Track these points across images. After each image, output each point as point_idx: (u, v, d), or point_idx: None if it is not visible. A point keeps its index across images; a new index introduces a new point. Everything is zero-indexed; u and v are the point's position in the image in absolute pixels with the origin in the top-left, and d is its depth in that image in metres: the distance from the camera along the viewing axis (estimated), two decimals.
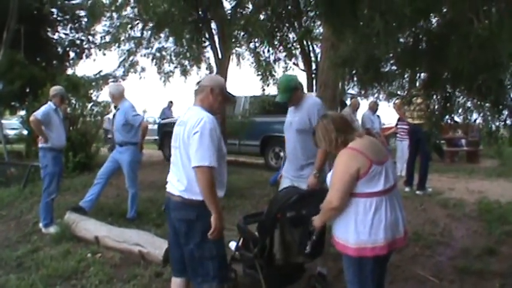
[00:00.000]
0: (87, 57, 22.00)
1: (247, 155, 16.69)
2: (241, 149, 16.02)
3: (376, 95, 5.85)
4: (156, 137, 18.46)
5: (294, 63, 22.66)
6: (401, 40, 4.82)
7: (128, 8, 17.22)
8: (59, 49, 21.91)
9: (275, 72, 18.04)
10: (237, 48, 18.90)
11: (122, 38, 18.73)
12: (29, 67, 17.24)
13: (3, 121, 18.45)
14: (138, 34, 18.40)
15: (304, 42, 21.06)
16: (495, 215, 8.26)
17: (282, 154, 13.52)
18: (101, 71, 20.61)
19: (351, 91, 13.40)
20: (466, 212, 8.54)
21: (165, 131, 17.07)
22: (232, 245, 5.51)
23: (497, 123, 4.81)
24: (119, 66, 20.55)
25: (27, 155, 15.01)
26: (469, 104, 4.99)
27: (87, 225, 7.36)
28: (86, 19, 20.98)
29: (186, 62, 20.70)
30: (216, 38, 15.85)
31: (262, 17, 13.66)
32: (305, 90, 20.86)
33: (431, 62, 4.75)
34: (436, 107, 5.49)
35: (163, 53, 20.47)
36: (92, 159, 13.74)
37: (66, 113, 9.23)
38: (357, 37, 4.84)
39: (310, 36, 18.57)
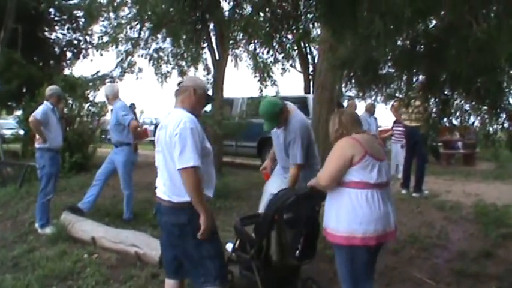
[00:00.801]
0: (84, 57, 22.00)
1: (244, 156, 16.70)
2: (238, 151, 16.02)
3: (373, 97, 5.86)
4: (153, 138, 18.46)
5: (291, 65, 22.71)
6: (400, 42, 4.83)
7: (126, 8, 17.22)
8: (56, 49, 21.90)
9: (272, 73, 18.11)
10: (234, 50, 18.93)
11: (120, 38, 18.72)
12: (26, 67, 17.21)
13: None
14: (136, 35, 18.39)
15: (302, 44, 21.11)
16: (491, 217, 8.26)
17: None
18: (98, 72, 20.58)
19: (348, 93, 13.43)
20: (463, 214, 8.54)
21: None
22: (229, 246, 5.51)
23: (494, 126, 4.82)
24: (116, 67, 20.55)
25: (23, 155, 14.97)
26: (466, 106, 5.00)
27: (83, 225, 7.35)
28: (83, 19, 20.97)
29: (184, 63, 20.72)
30: (213, 39, 15.85)
31: (260, 18, 13.68)
32: (302, 92, 20.89)
33: (429, 65, 4.77)
34: (434, 109, 5.50)
35: (161, 53, 20.50)
36: (89, 160, 13.72)
37: (62, 113, 9.22)
38: (356, 39, 4.85)
39: (308, 38, 18.61)
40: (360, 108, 13.44)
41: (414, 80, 5.57)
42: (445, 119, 5.39)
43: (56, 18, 21.50)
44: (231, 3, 14.04)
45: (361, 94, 5.89)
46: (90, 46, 21.88)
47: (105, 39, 19.35)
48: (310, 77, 21.94)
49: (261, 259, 4.63)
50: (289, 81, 75.02)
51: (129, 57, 20.27)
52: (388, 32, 4.25)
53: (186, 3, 13.05)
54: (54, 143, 7.89)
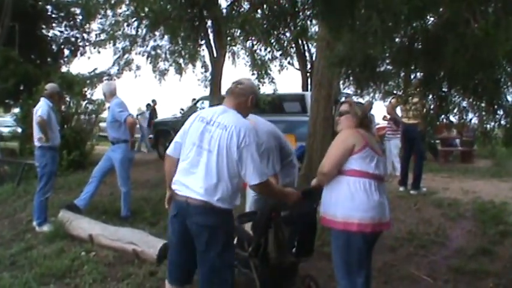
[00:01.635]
0: (81, 54, 22.00)
1: None
2: None
3: (371, 95, 5.86)
4: (151, 136, 18.46)
5: (289, 63, 22.70)
6: (398, 39, 4.83)
7: (123, 6, 17.21)
8: (54, 46, 21.88)
9: (270, 71, 18.07)
10: (232, 47, 18.93)
11: (117, 35, 18.71)
12: (23, 64, 17.20)
13: None
14: (133, 32, 18.39)
15: (300, 42, 21.11)
16: (489, 215, 8.26)
17: None
18: (95, 69, 20.58)
19: (346, 90, 13.43)
20: (461, 211, 8.53)
21: (159, 130, 17.06)
22: None
23: (492, 123, 4.82)
24: (113, 64, 20.57)
25: (21, 153, 14.96)
26: (464, 103, 4.99)
27: (81, 223, 7.34)
28: (80, 16, 20.94)
29: (181, 60, 20.73)
30: (211, 36, 15.87)
31: (257, 15, 13.69)
32: (300, 89, 20.85)
33: (427, 62, 4.76)
34: (432, 106, 5.50)
35: (159, 51, 20.53)
36: (86, 157, 13.73)
37: (61, 110, 9.21)
38: (354, 36, 4.84)
39: (306, 35, 18.60)
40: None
41: (412, 77, 5.58)
42: (442, 116, 5.38)
43: (54, 16, 21.47)
44: (229, 0, 14.05)
45: (359, 91, 5.88)
46: (87, 43, 21.89)
47: (103, 36, 19.37)
48: (308, 74, 21.95)
49: (258, 257, 4.62)
50: (287, 79, 75.06)
51: (127, 55, 20.28)
52: (386, 30, 4.24)
53: (183, 1, 13.06)
54: (55, 142, 7.91)
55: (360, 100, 10.56)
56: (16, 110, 17.46)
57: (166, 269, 5.66)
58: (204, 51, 19.00)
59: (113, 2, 16.91)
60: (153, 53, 20.51)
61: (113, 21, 18.25)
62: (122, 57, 20.34)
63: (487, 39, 3.66)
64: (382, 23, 4.13)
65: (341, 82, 6.66)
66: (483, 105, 4.76)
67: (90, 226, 7.22)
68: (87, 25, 21.12)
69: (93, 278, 5.77)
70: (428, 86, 5.20)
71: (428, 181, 10.99)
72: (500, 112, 4.69)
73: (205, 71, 20.86)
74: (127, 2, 16.71)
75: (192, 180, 3.88)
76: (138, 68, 21.37)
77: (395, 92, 5.83)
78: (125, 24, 17.70)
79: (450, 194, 9.88)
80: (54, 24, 21.66)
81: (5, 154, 15.52)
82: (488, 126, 4.84)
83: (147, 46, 20.17)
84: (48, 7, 20.82)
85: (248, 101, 4.14)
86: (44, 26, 21.28)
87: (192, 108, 16.19)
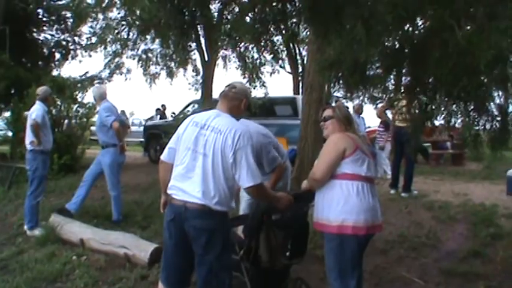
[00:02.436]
0: (72, 58, 21.86)
1: None
2: None
3: (361, 98, 5.89)
4: (142, 139, 18.44)
5: (280, 66, 22.71)
6: (386, 44, 4.86)
7: (114, 9, 17.19)
8: (45, 50, 21.75)
9: (261, 74, 18.07)
10: (223, 51, 18.92)
11: (108, 39, 18.68)
12: (14, 68, 17.09)
13: None
14: (124, 35, 18.35)
15: (291, 45, 21.12)
16: (480, 217, 8.30)
17: None
18: (86, 73, 20.52)
19: (336, 94, 13.44)
20: (451, 214, 8.57)
21: (151, 133, 17.03)
22: None
23: (477, 128, 4.87)
24: (104, 68, 20.52)
25: (11, 157, 14.90)
26: (449, 108, 5.03)
27: (72, 227, 7.33)
28: (71, 20, 20.86)
29: (172, 64, 20.70)
30: (202, 41, 15.86)
31: (248, 19, 13.70)
32: (291, 93, 20.91)
33: (413, 67, 4.81)
34: (417, 111, 5.54)
35: (150, 54, 20.48)
36: (77, 161, 13.68)
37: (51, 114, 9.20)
38: (342, 41, 4.87)
39: (296, 39, 18.63)
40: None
41: (400, 81, 5.62)
42: (427, 121, 5.44)
43: (45, 19, 21.35)
44: (219, 6, 14.04)
45: (348, 95, 5.91)
46: (78, 47, 21.78)
47: (94, 40, 19.32)
48: (300, 77, 21.98)
49: (250, 260, 4.63)
50: (279, 82, 75.20)
51: (118, 58, 20.25)
52: (371, 37, 4.29)
53: (173, 8, 13.05)
54: (47, 145, 7.90)
55: (350, 103, 10.55)
56: (7, 114, 17.39)
57: (158, 273, 5.71)
58: (195, 55, 19.01)
59: (103, 5, 16.89)
60: (144, 56, 20.48)
61: (104, 25, 18.22)
62: (113, 61, 20.32)
63: (469, 47, 3.70)
64: (367, 32, 4.18)
65: (331, 85, 6.69)
66: (468, 110, 4.80)
67: (81, 230, 7.21)
68: (78, 29, 21.02)
69: (84, 282, 5.76)
70: (414, 90, 5.24)
71: (419, 184, 11.03)
72: (484, 117, 4.74)
73: (197, 75, 20.85)
74: (118, 6, 16.69)
75: (188, 185, 3.89)
76: (128, 71, 21.35)
77: (383, 96, 5.85)
78: (116, 29, 17.67)
79: (441, 197, 9.93)
80: (45, 28, 21.53)
81: None
82: (472, 130, 4.88)
83: (138, 50, 20.16)
84: (39, 10, 20.70)
85: (241, 104, 4.18)
86: (34, 29, 21.16)
87: (183, 112, 16.20)
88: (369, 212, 3.99)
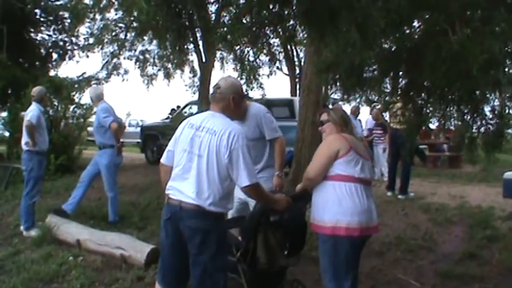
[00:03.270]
0: (70, 58, 21.79)
1: None
2: None
3: (358, 100, 5.91)
4: (139, 140, 18.42)
5: (277, 68, 22.72)
6: (383, 47, 4.88)
7: (112, 10, 17.19)
8: (42, 50, 21.69)
9: (259, 76, 18.07)
10: (220, 53, 18.94)
11: (105, 40, 18.67)
12: (11, 68, 17.04)
13: None
14: (122, 36, 18.35)
15: (288, 47, 21.12)
16: (476, 219, 8.33)
17: None
18: (84, 73, 20.50)
19: (334, 96, 13.45)
20: (448, 216, 8.59)
21: (148, 134, 17.03)
22: None
23: (471, 131, 4.89)
24: (102, 69, 20.52)
25: (8, 157, 14.87)
26: (443, 112, 5.06)
27: (68, 228, 7.32)
28: (69, 20, 20.83)
29: (170, 65, 20.70)
30: (199, 43, 15.85)
31: (244, 21, 13.73)
32: (288, 94, 20.95)
33: (408, 71, 4.83)
34: (412, 113, 5.56)
35: (147, 55, 20.50)
36: (74, 162, 13.67)
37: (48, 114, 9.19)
38: (339, 45, 4.90)
39: (294, 40, 18.62)
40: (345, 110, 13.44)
41: (396, 84, 5.64)
42: (423, 123, 5.46)
43: (42, 19, 21.28)
44: (216, 8, 14.04)
45: (345, 97, 5.94)
46: (76, 47, 21.73)
47: (91, 40, 19.30)
48: (297, 79, 22.01)
49: (247, 262, 4.63)
50: (276, 84, 75.15)
51: (115, 59, 20.24)
52: (365, 41, 4.32)
53: (170, 10, 13.03)
54: (43, 146, 7.89)
55: (347, 105, 10.58)
56: (4, 114, 17.36)
57: (154, 274, 5.71)
58: (192, 57, 19.02)
59: (101, 6, 16.88)
60: (141, 57, 20.49)
61: (102, 26, 18.22)
62: (110, 62, 20.33)
63: (463, 51, 3.72)
64: (361, 36, 4.21)
65: (328, 87, 6.72)
66: (462, 113, 4.83)
67: (78, 231, 7.21)
68: (76, 29, 20.97)
69: (80, 283, 5.75)
70: (409, 93, 5.26)
71: (416, 186, 11.05)
72: (479, 121, 4.76)
73: (194, 76, 20.86)
74: (115, 7, 16.69)
75: (185, 186, 3.93)
76: (126, 72, 21.35)
77: (379, 98, 5.88)
78: (114, 30, 17.66)
79: (438, 199, 9.95)
80: (42, 28, 21.47)
81: None
82: (468, 133, 4.91)
83: (135, 51, 20.18)
84: (37, 10, 20.64)
85: (230, 103, 4.15)
86: (32, 30, 21.10)
87: (180, 114, 16.21)
88: (363, 214, 4.01)
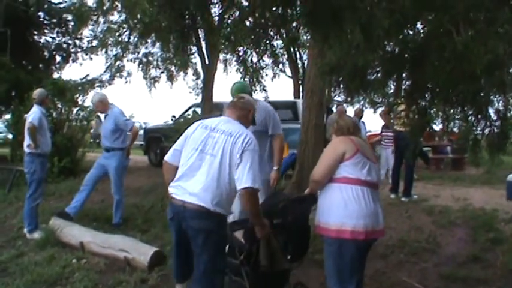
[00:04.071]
0: (73, 61, 21.83)
1: None
2: None
3: (361, 102, 5.91)
4: (142, 143, 18.42)
5: (281, 70, 22.72)
6: (387, 49, 4.88)
7: (115, 13, 17.22)
8: (46, 53, 21.73)
9: (261, 78, 18.11)
10: (223, 55, 18.94)
11: (109, 42, 18.71)
12: (14, 70, 17.07)
13: None
14: (125, 39, 18.38)
15: (292, 49, 21.13)
16: (480, 222, 8.29)
17: None
18: (87, 76, 20.55)
19: (337, 98, 13.45)
20: (451, 219, 8.56)
21: (151, 137, 17.02)
22: None
23: (475, 133, 4.88)
24: (105, 71, 20.54)
25: (12, 159, 14.88)
26: (448, 113, 5.05)
27: (72, 230, 7.32)
28: (72, 23, 20.86)
29: (173, 68, 20.73)
30: (203, 45, 15.85)
31: (248, 23, 13.74)
32: (291, 97, 20.98)
33: (412, 72, 4.82)
34: (416, 116, 5.55)
35: (150, 58, 20.52)
36: (77, 164, 13.66)
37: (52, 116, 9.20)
38: (342, 46, 4.89)
39: (297, 43, 18.64)
40: (348, 113, 13.44)
41: (399, 86, 5.63)
42: (426, 125, 5.45)
43: (46, 22, 21.32)
44: (220, 10, 14.04)
45: (349, 99, 5.94)
46: (79, 50, 21.77)
47: (95, 43, 19.34)
48: (300, 82, 22.00)
49: (250, 264, 4.62)
50: (279, 86, 75.26)
51: (118, 62, 20.27)
52: (369, 43, 4.32)
53: (173, 12, 13.03)
54: (45, 148, 7.88)
55: (350, 107, 10.58)
56: (7, 116, 17.38)
57: (158, 277, 5.74)
58: (195, 59, 19.02)
59: (104, 9, 16.91)
60: (144, 60, 20.52)
61: (105, 28, 18.25)
62: (113, 64, 20.36)
63: (466, 52, 3.71)
64: (365, 37, 4.20)
65: (332, 90, 6.73)
66: (466, 114, 4.82)
67: (81, 233, 7.20)
68: (79, 32, 21.01)
69: (84, 285, 5.75)
70: (412, 95, 5.25)
71: (419, 188, 11.03)
72: (482, 122, 4.75)
73: (197, 78, 20.89)
74: (119, 9, 16.72)
75: (191, 184, 3.99)
76: (129, 74, 21.38)
77: (383, 100, 5.88)
78: (117, 32, 17.69)
79: (441, 202, 9.91)
80: (46, 31, 21.51)
81: None
82: (472, 135, 4.89)
83: (138, 53, 20.21)
84: (40, 13, 20.68)
85: (249, 114, 4.41)
86: (35, 32, 21.14)
87: (183, 116, 16.20)
88: (369, 217, 3.99)
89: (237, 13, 13.59)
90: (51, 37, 21.64)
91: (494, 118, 4.79)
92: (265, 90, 19.01)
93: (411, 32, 4.82)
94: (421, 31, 4.82)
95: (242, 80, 17.02)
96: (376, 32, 4.18)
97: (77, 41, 21.77)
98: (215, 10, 15.33)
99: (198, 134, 4.15)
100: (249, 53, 17.04)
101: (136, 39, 18.44)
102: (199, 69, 19.38)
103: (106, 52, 19.63)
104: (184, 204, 3.96)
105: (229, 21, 14.17)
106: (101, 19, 18.25)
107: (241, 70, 18.53)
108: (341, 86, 5.59)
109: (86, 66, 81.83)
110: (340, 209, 4.00)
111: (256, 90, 16.55)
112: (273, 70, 21.66)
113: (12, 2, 17.36)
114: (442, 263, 6.72)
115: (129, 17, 15.98)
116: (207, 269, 3.99)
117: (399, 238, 7.54)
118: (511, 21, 3.76)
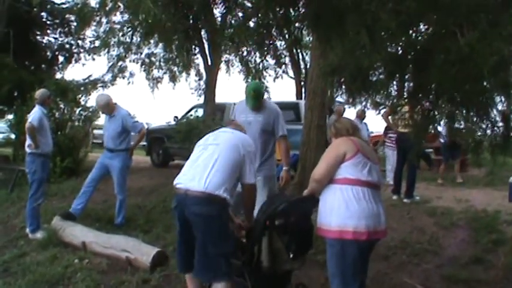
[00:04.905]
0: (76, 61, 21.89)
1: None
2: None
3: (364, 103, 5.90)
4: (144, 143, 18.42)
5: (283, 71, 22.72)
6: (390, 50, 4.87)
7: (118, 13, 17.22)
8: (48, 53, 21.78)
9: (264, 79, 18.12)
10: (226, 55, 18.93)
11: (111, 43, 18.71)
12: (17, 71, 17.12)
13: None
14: (128, 39, 18.38)
15: (294, 50, 21.13)
16: (482, 223, 8.28)
17: None
18: (90, 76, 20.56)
19: (339, 99, 13.45)
20: (454, 220, 8.55)
21: (153, 137, 17.01)
22: None
23: (479, 134, 4.88)
24: (107, 71, 20.53)
25: (14, 159, 14.90)
26: (452, 114, 5.04)
27: (74, 230, 7.33)
28: (75, 23, 20.90)
29: (175, 68, 20.72)
30: (206, 45, 15.85)
31: (251, 24, 13.74)
32: (294, 98, 20.99)
33: (416, 73, 4.82)
34: (420, 117, 5.54)
35: (153, 58, 20.51)
36: (80, 164, 13.66)
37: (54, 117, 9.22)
38: (345, 47, 4.89)
39: (300, 44, 18.63)
40: (350, 114, 13.45)
41: (402, 87, 5.62)
42: (430, 126, 5.45)
43: (48, 22, 21.38)
44: (223, 10, 14.04)
45: (351, 100, 5.94)
46: (82, 50, 21.81)
47: (97, 43, 19.34)
48: (302, 83, 22.00)
49: (252, 265, 4.63)
50: (282, 87, 75.26)
51: (121, 62, 20.27)
52: (374, 44, 4.32)
53: (177, 12, 13.03)
54: (46, 148, 7.88)
55: (352, 109, 10.59)
56: (10, 116, 17.40)
57: (160, 277, 5.74)
58: (198, 59, 19.03)
59: (107, 9, 16.90)
60: (147, 60, 20.52)
61: (108, 29, 18.25)
62: (116, 65, 20.36)
63: (472, 53, 3.71)
64: (370, 38, 4.21)
65: (334, 91, 6.75)
66: (470, 115, 4.81)
67: (83, 233, 7.21)
68: (82, 32, 21.03)
69: (86, 285, 5.76)
70: (416, 96, 5.25)
71: (421, 190, 11.01)
72: (487, 124, 4.75)
73: (200, 79, 20.89)
74: (122, 10, 16.71)
75: (195, 169, 4.29)
76: (131, 75, 21.38)
77: (386, 101, 5.87)
78: (120, 32, 17.69)
79: (443, 203, 9.91)
80: (48, 31, 21.57)
81: None
82: (476, 136, 4.89)
83: (141, 54, 20.21)
84: (43, 13, 20.75)
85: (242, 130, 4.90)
86: (38, 32, 21.20)
87: (186, 117, 16.19)
88: (371, 218, 3.98)
89: (240, 14, 13.59)
90: (53, 37, 21.72)
91: (498, 119, 4.79)
92: (267, 91, 19.03)
93: (415, 34, 4.81)
94: (425, 32, 4.81)
95: (249, 80, 17.07)
96: (382, 33, 4.19)
97: (80, 42, 21.83)
98: (218, 10, 15.33)
99: (204, 139, 4.68)
100: (251, 53, 17.06)
101: (138, 39, 18.43)
102: (202, 70, 19.36)
103: (108, 52, 19.60)
104: (186, 192, 4.18)
105: (232, 21, 14.15)
106: (104, 19, 18.20)
107: (243, 71, 18.57)
108: (343, 87, 5.59)
109: (88, 67, 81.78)
110: (342, 209, 3.98)
111: None
112: (275, 71, 21.68)
113: (15, 3, 17.42)
114: (444, 264, 6.72)
115: (132, 17, 15.95)
116: (209, 253, 4.13)
117: (401, 239, 7.53)
118: None
